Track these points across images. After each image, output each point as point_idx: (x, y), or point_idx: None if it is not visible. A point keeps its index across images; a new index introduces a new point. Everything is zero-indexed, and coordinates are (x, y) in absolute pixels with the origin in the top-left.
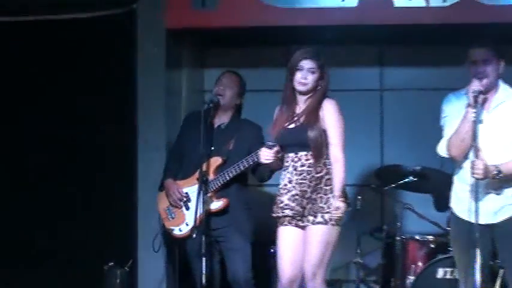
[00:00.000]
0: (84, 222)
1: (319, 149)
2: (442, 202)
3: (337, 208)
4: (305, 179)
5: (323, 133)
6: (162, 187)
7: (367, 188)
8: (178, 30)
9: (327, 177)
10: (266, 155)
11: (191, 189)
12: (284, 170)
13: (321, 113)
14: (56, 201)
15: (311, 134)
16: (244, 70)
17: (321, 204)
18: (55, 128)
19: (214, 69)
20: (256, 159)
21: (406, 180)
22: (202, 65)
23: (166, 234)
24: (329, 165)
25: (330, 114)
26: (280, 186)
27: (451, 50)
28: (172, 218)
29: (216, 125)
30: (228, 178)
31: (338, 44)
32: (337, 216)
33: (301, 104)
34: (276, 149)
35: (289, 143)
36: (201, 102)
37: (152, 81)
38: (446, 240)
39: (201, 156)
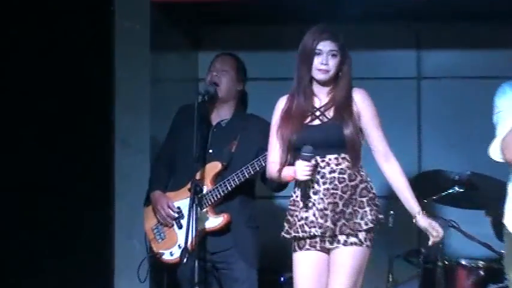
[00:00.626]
0: (50, 246)
1: (358, 151)
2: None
3: (437, 230)
4: (336, 189)
5: (359, 131)
6: (148, 201)
7: None
8: (166, 3)
9: (361, 186)
10: (304, 171)
11: (184, 202)
12: None
13: (353, 107)
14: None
15: (347, 131)
16: (248, 53)
17: (356, 220)
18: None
19: (211, 52)
20: (264, 164)
21: (450, 190)
22: (196, 46)
23: (154, 259)
24: (362, 171)
25: (365, 106)
26: (299, 199)
27: (506, 30)
28: (162, 240)
29: (214, 122)
30: (229, 188)
31: (363, 22)
32: (371, 236)
33: (322, 95)
34: (314, 161)
35: (315, 144)
36: (195, 94)
37: (133, 66)
38: (500, 266)
39: (195, 161)
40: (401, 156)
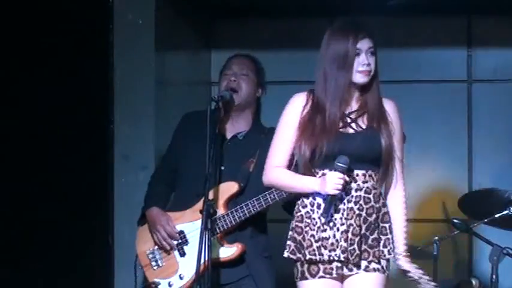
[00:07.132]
0: (44, 273)
1: (390, 168)
2: None
3: (417, 274)
4: (361, 210)
5: (393, 145)
6: (143, 220)
7: (448, 225)
8: None
9: (384, 210)
10: (337, 184)
11: (189, 226)
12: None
13: (388, 116)
14: None
15: (385, 143)
16: (268, 52)
17: (381, 248)
18: None
19: (225, 51)
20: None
21: (505, 212)
22: (208, 44)
23: None
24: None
25: (397, 120)
26: (314, 216)
27: None
28: (159, 267)
29: (229, 134)
30: (247, 215)
31: (404, 15)
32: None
33: (352, 100)
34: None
35: (348, 155)
36: (208, 99)
37: (135, 68)
38: None
39: (206, 179)
40: (448, 172)
